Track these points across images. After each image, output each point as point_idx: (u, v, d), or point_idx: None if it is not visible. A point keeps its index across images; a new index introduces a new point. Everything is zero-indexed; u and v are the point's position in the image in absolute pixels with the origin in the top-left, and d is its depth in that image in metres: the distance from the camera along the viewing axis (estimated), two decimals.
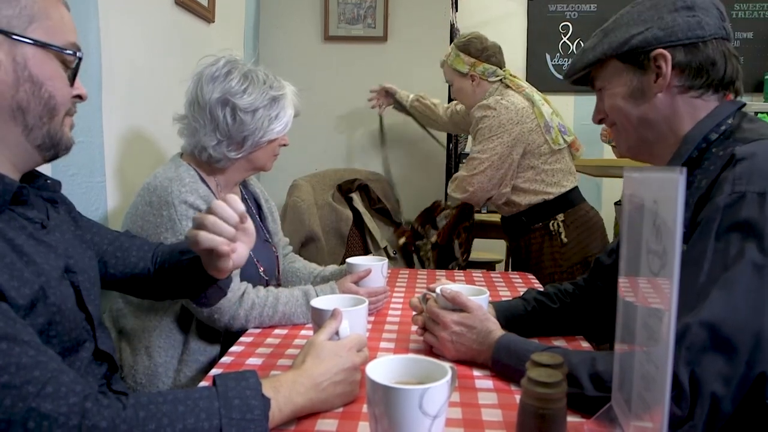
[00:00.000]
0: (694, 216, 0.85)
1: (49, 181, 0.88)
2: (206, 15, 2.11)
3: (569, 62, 1.04)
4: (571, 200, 2.06)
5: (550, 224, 2.03)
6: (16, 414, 0.60)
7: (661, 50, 0.94)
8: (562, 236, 2.01)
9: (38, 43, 0.77)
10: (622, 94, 1.00)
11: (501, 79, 2.10)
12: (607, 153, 2.63)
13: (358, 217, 2.44)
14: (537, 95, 2.07)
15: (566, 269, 2.02)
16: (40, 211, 0.82)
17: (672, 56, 0.93)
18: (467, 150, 3.24)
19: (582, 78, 1.08)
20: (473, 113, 2.07)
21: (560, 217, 2.03)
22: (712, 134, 0.92)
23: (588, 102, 3.76)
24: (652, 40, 0.94)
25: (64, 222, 0.90)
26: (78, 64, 0.82)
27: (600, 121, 1.08)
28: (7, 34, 0.74)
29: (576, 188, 2.10)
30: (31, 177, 0.86)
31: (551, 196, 2.03)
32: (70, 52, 0.80)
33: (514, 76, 2.14)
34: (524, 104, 2.02)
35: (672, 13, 0.94)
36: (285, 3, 2.79)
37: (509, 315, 1.21)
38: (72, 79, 0.82)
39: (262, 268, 1.44)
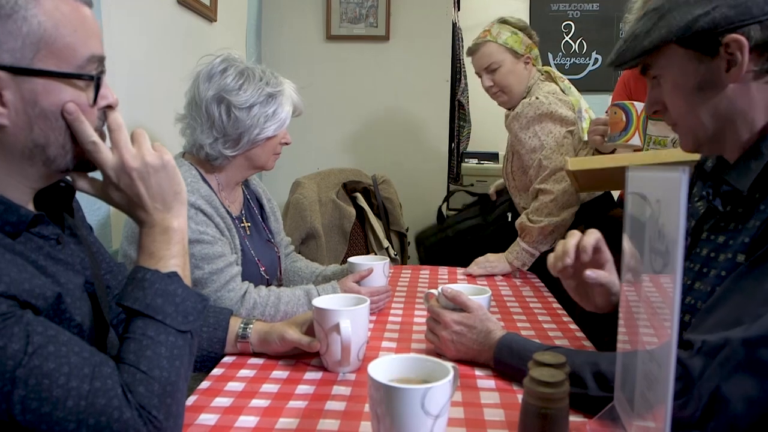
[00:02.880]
0: None
1: (63, 184, 0.83)
2: (208, 14, 2.11)
3: (618, 48, 0.89)
4: (597, 205, 1.82)
5: None
6: (81, 413, 0.62)
7: (734, 36, 0.78)
8: None
9: (47, 74, 0.69)
10: (687, 85, 0.85)
11: (542, 68, 1.90)
12: None
13: (362, 216, 2.44)
14: (565, 83, 1.89)
15: None
16: (54, 222, 0.78)
17: (748, 39, 0.78)
18: (469, 149, 3.23)
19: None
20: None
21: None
22: None
23: (590, 101, 3.74)
24: (721, 21, 0.78)
25: (80, 225, 0.87)
26: (99, 82, 0.74)
27: (655, 113, 0.93)
28: (12, 70, 0.67)
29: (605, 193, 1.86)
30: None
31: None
32: (87, 75, 0.72)
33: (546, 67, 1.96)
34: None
35: None
36: (287, 2, 2.79)
37: None
38: (94, 98, 0.74)
39: (263, 268, 1.44)
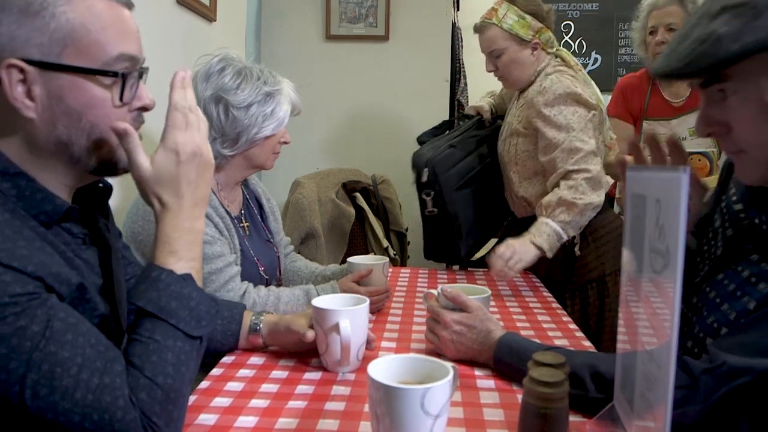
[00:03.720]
0: None
1: (101, 185, 0.83)
2: (208, 14, 2.11)
3: (684, 51, 0.68)
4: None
5: None
6: (87, 407, 0.62)
7: None
8: (576, 248, 1.68)
9: (71, 69, 0.69)
10: (766, 103, 0.67)
11: (555, 51, 1.75)
12: None
13: (361, 216, 2.44)
14: (584, 74, 1.75)
15: (579, 286, 1.72)
16: (84, 222, 0.79)
17: None
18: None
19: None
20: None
21: None
22: None
23: None
24: None
25: (109, 228, 0.87)
26: (125, 79, 0.73)
27: (710, 135, 0.75)
28: (41, 65, 0.68)
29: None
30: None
31: None
32: (111, 72, 0.72)
33: (560, 48, 1.78)
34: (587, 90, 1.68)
35: None
36: (287, 2, 2.79)
37: None
38: (120, 96, 0.73)
39: (262, 268, 1.43)
